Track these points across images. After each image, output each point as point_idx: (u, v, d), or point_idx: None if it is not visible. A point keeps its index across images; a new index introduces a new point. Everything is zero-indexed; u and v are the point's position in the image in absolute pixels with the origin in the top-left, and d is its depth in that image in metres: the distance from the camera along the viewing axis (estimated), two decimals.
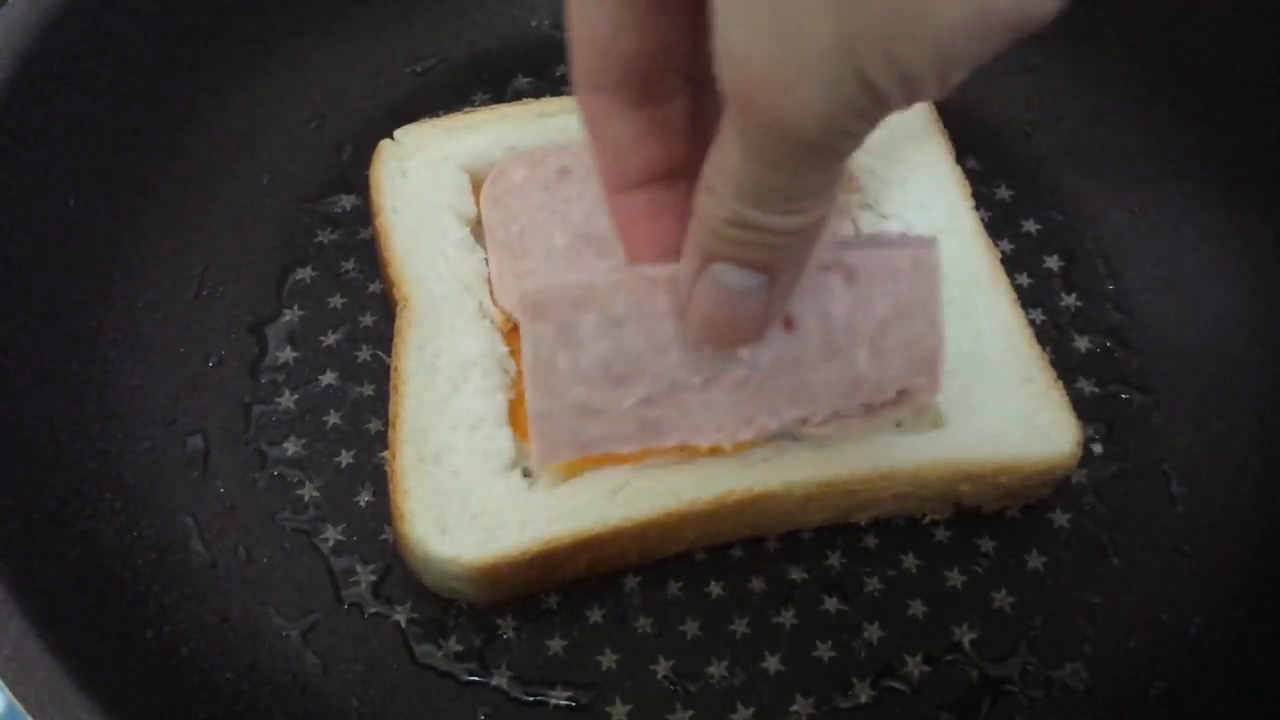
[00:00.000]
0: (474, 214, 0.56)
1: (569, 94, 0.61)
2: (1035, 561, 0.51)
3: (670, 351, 0.45)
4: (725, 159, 0.36)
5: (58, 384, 0.50)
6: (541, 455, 0.47)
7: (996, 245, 0.56)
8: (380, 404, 0.54)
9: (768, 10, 0.31)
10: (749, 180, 0.36)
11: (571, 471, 0.49)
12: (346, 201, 0.61)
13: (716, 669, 0.48)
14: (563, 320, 0.45)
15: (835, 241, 0.48)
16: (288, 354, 0.56)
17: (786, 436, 0.49)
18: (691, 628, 0.49)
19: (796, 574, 0.50)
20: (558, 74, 0.65)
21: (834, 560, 0.51)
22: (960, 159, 0.58)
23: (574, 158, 0.56)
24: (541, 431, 0.47)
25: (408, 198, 0.56)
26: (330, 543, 0.51)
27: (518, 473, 0.49)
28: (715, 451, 0.49)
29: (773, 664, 0.48)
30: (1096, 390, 0.55)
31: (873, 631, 0.49)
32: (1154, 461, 0.54)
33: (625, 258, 0.46)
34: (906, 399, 0.47)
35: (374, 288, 0.58)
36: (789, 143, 0.34)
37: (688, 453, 0.49)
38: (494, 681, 0.48)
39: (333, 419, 0.54)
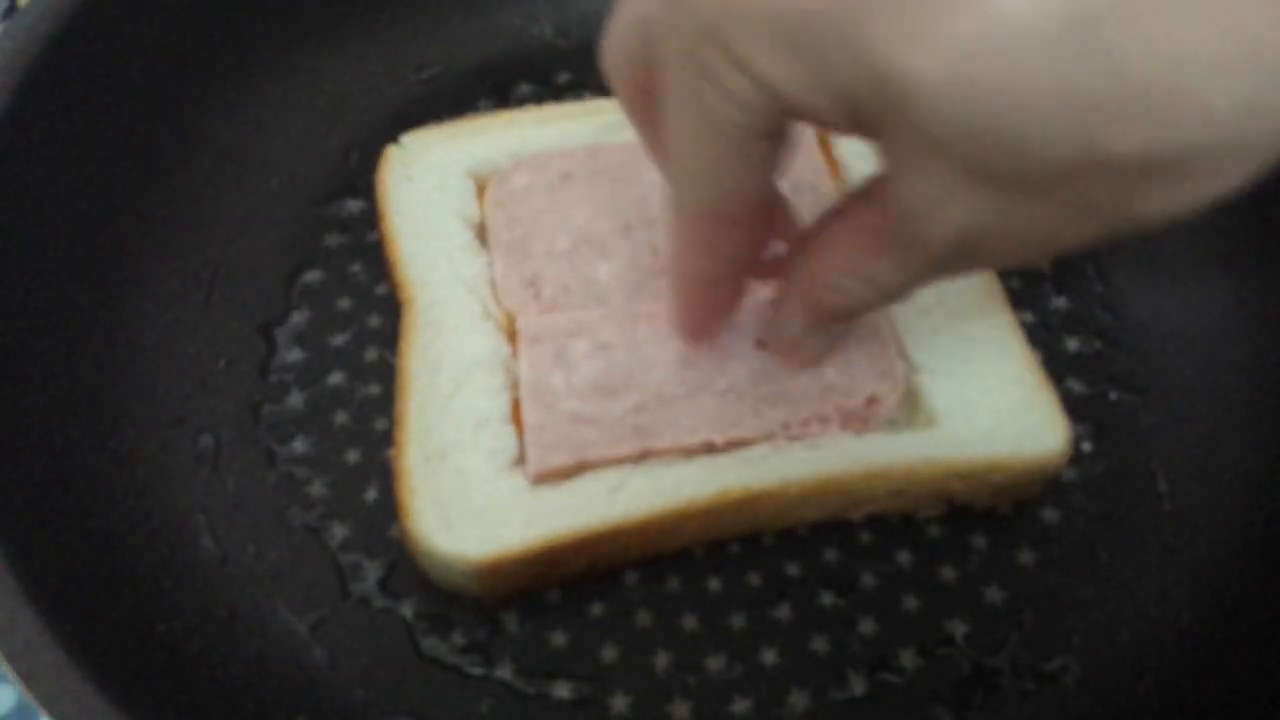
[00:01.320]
0: (478, 218, 0.57)
1: (570, 100, 0.63)
2: (1026, 557, 0.52)
3: (655, 369, 0.51)
4: (878, 272, 0.40)
5: (71, 384, 0.51)
6: (537, 461, 0.49)
7: None
8: (387, 403, 0.54)
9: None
10: (896, 286, 0.40)
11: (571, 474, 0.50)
12: (354, 205, 0.61)
13: (715, 662, 0.49)
14: (557, 345, 0.51)
15: None
16: (296, 354, 0.57)
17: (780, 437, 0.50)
18: (690, 622, 0.50)
19: (793, 569, 0.51)
20: (560, 81, 0.66)
21: (830, 556, 0.51)
22: None
23: (575, 163, 0.57)
24: (537, 440, 0.49)
25: (413, 202, 0.57)
26: (338, 539, 0.52)
27: (521, 471, 0.49)
28: (711, 450, 0.50)
29: (770, 657, 0.49)
30: (1086, 390, 0.56)
31: (867, 625, 0.50)
32: (1142, 460, 0.54)
33: (688, 339, 0.51)
34: (876, 404, 0.51)
35: (381, 290, 0.59)
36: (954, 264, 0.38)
37: (684, 451, 0.50)
38: (498, 674, 0.49)
39: (340, 418, 0.55)
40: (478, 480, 0.49)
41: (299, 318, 0.58)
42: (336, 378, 0.56)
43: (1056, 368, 0.55)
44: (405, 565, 0.51)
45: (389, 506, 0.51)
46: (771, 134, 0.36)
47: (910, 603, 0.50)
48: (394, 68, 0.66)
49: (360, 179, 0.61)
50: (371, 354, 0.57)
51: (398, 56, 0.66)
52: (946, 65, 0.29)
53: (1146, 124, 0.30)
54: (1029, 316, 0.58)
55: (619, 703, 0.48)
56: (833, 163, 0.58)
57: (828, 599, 0.50)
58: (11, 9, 0.69)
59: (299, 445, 0.54)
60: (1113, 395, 0.56)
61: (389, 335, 0.56)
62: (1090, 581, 0.51)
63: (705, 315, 0.49)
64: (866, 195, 0.40)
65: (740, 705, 0.48)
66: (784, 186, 0.44)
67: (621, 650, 0.49)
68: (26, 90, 0.52)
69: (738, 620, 0.50)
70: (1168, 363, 0.57)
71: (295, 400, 0.56)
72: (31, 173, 0.52)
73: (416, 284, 0.54)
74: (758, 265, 0.45)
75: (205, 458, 0.54)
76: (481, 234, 0.56)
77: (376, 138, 0.60)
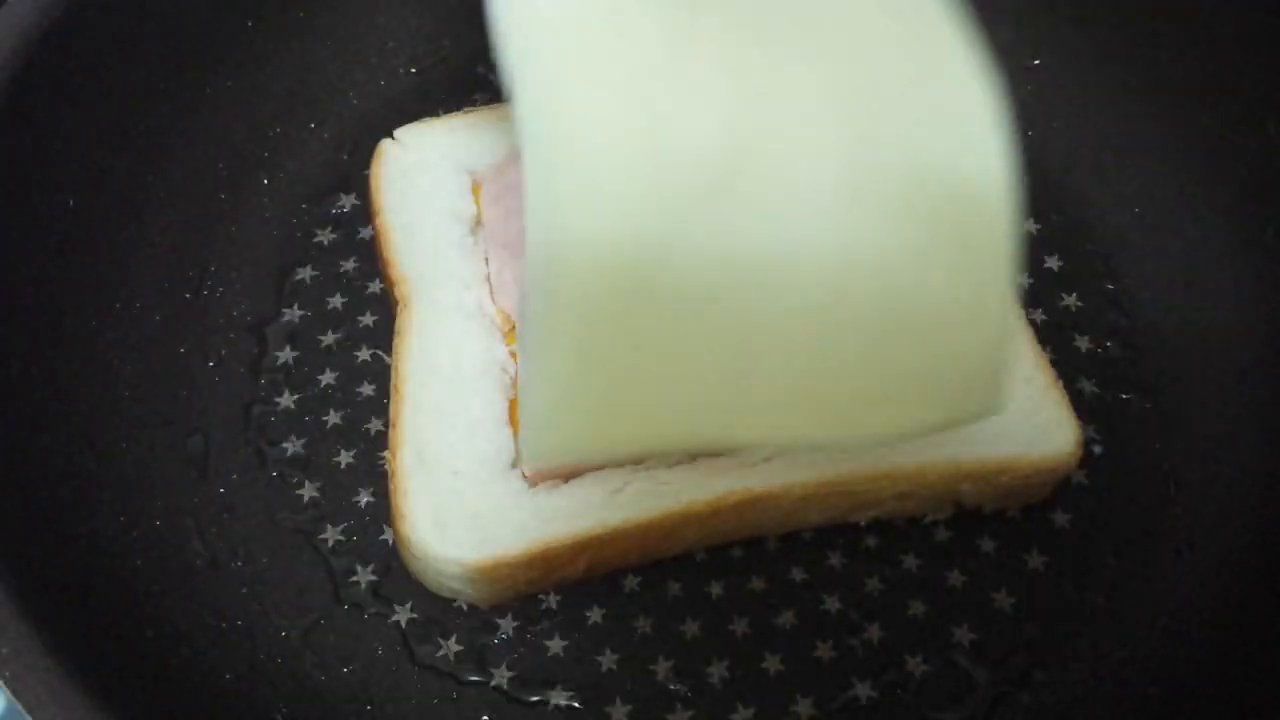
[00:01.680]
0: (473, 213, 0.56)
1: None
2: (1035, 561, 0.51)
3: None
4: None
5: (57, 384, 0.50)
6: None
7: None
8: (380, 404, 0.54)
9: None
10: None
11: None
12: (346, 201, 0.61)
13: (717, 669, 0.48)
14: None
15: None
16: (288, 354, 0.56)
17: None
18: (691, 628, 0.49)
19: (797, 574, 0.50)
20: None
21: (834, 560, 0.51)
22: None
23: None
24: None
25: (408, 197, 0.56)
26: (330, 543, 0.51)
27: (517, 473, 0.49)
28: (713, 452, 0.48)
29: (773, 664, 0.48)
30: (1096, 390, 0.55)
31: (873, 631, 0.49)
32: (1153, 462, 0.53)
33: None
34: None
35: (374, 288, 0.58)
36: None
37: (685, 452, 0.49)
38: (494, 682, 0.48)
39: (333, 419, 0.54)
40: (473, 483, 0.48)
41: (290, 316, 0.57)
42: (329, 378, 0.56)
43: (1066, 368, 0.54)
44: (399, 570, 0.50)
45: (382, 510, 0.50)
46: None
47: (917, 608, 0.50)
48: (388, 61, 0.65)
49: (353, 174, 0.61)
50: (364, 353, 0.56)
51: (392, 49, 0.65)
52: None
53: None
54: (1038, 315, 0.57)
55: (618, 711, 0.47)
56: None
57: (832, 604, 0.50)
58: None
59: (290, 447, 0.54)
60: (1124, 396, 0.55)
61: (382, 334, 0.55)
62: (1100, 587, 0.50)
63: None
64: None
65: (743, 714, 0.47)
66: None
67: (621, 657, 0.49)
68: (14, 85, 0.51)
69: (740, 626, 0.49)
70: (1179, 363, 0.56)
71: (286, 400, 0.55)
72: (18, 168, 0.51)
73: (411, 282, 0.53)
74: None
75: (194, 459, 0.53)
76: (477, 230, 0.56)
77: (370, 132, 0.59)
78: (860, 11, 0.40)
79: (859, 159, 0.38)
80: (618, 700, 0.48)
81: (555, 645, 0.49)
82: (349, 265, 0.59)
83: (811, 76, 0.38)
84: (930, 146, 0.38)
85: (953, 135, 0.38)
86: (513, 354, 0.51)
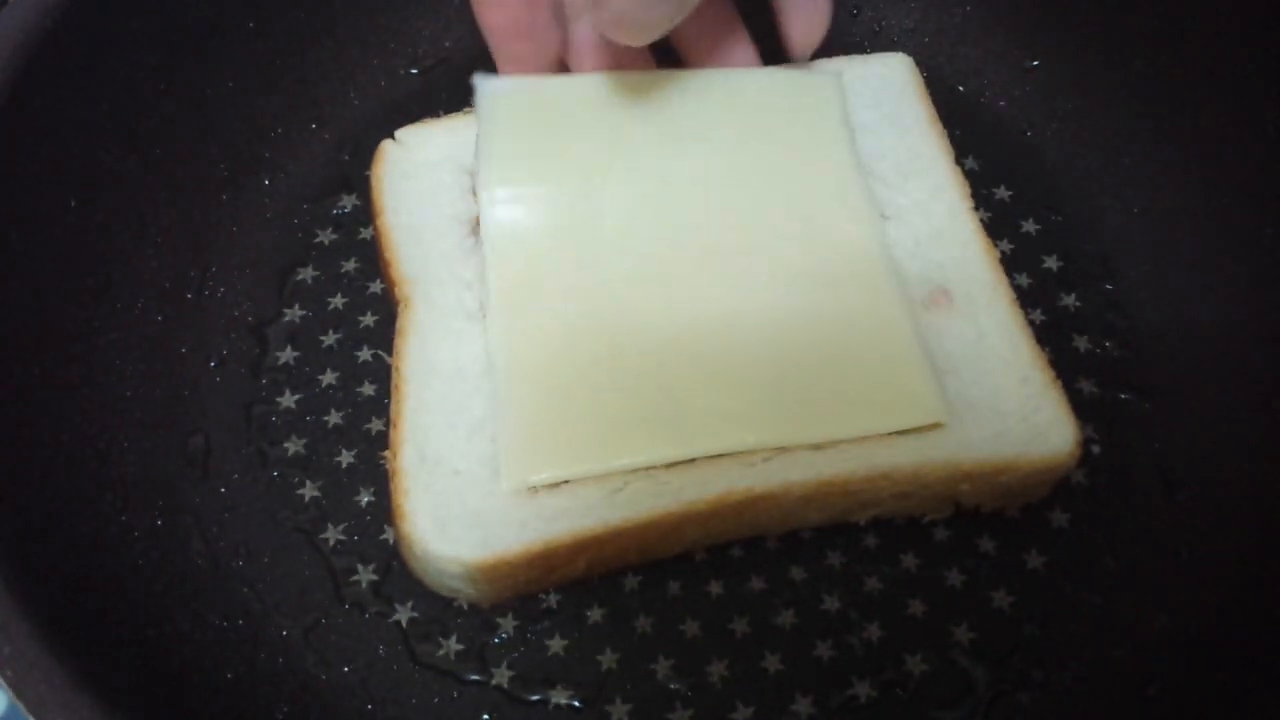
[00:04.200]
0: (474, 214, 0.56)
1: None
2: (1034, 561, 0.51)
3: None
4: None
5: (59, 384, 0.50)
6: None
7: (996, 245, 0.55)
8: (381, 404, 0.54)
9: None
10: None
11: None
12: (347, 201, 0.61)
13: (716, 668, 0.48)
14: None
15: None
16: (289, 354, 0.56)
17: None
18: (691, 627, 0.49)
19: (796, 573, 0.50)
20: None
21: (834, 559, 0.51)
22: (960, 159, 0.58)
23: None
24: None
25: (409, 198, 0.56)
26: (331, 542, 0.51)
27: None
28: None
29: (772, 663, 0.48)
30: (1095, 390, 0.55)
31: (872, 631, 0.49)
32: (1152, 462, 0.53)
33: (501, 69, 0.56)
34: None
35: (375, 288, 0.58)
36: None
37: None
38: (494, 681, 0.48)
39: (333, 419, 0.54)
40: (474, 482, 0.48)
41: (291, 316, 0.57)
42: (329, 378, 0.56)
43: (1065, 367, 0.54)
44: (400, 569, 0.50)
45: (383, 509, 0.50)
46: None
47: (916, 607, 0.50)
48: (389, 62, 0.65)
49: (354, 174, 0.61)
50: (365, 353, 0.56)
51: (393, 50, 0.65)
52: None
53: None
54: (1038, 315, 0.57)
55: (618, 710, 0.47)
56: None
57: (831, 604, 0.50)
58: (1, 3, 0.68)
59: (291, 447, 0.54)
60: (1123, 396, 0.55)
61: (383, 334, 0.55)
62: (1099, 586, 0.50)
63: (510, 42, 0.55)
64: None
65: (743, 712, 0.47)
66: None
67: (621, 656, 0.49)
68: (15, 86, 0.51)
69: (739, 625, 0.49)
70: (1178, 363, 0.56)
71: (288, 400, 0.55)
72: (20, 169, 0.51)
73: (412, 282, 0.53)
74: None
75: (196, 459, 0.53)
76: (477, 230, 0.55)
77: (371, 132, 0.59)
78: (757, 163, 0.54)
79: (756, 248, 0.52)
80: (618, 699, 0.48)
81: (555, 644, 0.49)
82: (350, 265, 0.59)
83: (713, 198, 0.53)
84: (813, 236, 0.53)
85: (831, 229, 0.53)
86: None
